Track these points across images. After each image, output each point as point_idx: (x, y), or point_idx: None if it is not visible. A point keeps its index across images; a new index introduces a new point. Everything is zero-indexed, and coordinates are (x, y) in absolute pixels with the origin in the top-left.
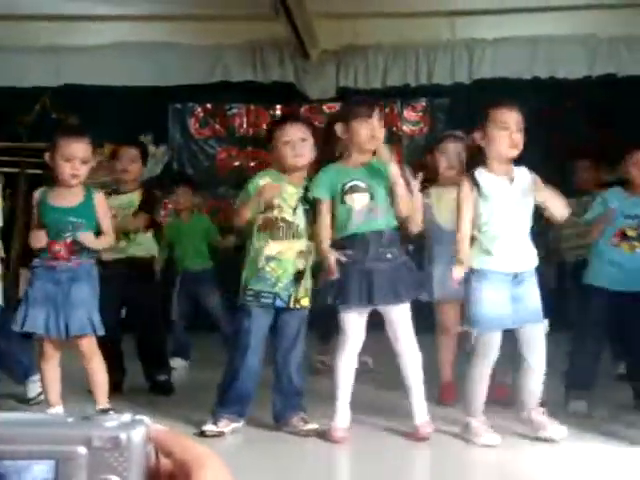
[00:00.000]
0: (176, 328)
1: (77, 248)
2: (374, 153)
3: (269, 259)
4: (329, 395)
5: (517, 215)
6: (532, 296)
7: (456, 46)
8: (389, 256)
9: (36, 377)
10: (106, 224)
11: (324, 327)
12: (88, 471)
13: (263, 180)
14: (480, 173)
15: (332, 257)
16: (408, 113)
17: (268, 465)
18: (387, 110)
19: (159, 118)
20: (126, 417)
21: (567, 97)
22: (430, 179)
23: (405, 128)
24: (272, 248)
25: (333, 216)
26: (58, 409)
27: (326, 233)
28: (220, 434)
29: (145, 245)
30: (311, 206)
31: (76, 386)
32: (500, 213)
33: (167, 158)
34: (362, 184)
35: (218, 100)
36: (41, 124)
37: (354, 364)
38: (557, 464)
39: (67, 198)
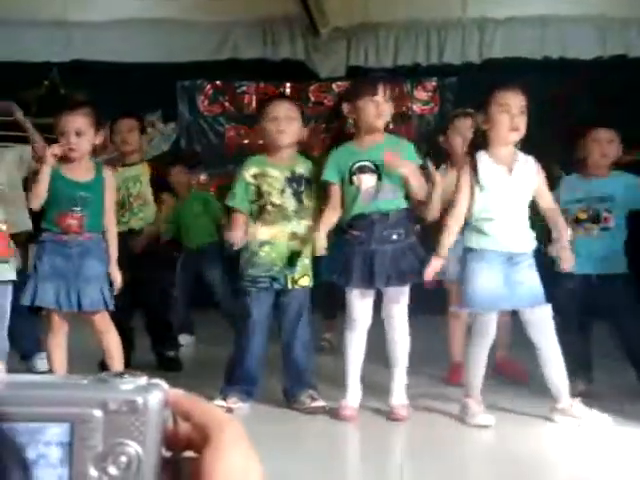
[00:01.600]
0: (178, 305)
1: (88, 222)
2: (387, 130)
3: (262, 244)
4: (333, 373)
5: (513, 203)
6: (530, 279)
7: (467, 25)
8: (394, 237)
9: (44, 354)
10: (110, 203)
11: (328, 304)
12: (104, 435)
13: (249, 172)
14: (481, 159)
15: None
16: (418, 92)
17: (275, 441)
18: (397, 90)
19: (168, 95)
20: (142, 380)
21: (578, 77)
22: (446, 159)
23: (415, 107)
24: (264, 233)
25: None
26: None
27: (328, 216)
28: (229, 410)
29: (151, 217)
30: (323, 188)
31: (84, 363)
32: (495, 202)
33: (175, 135)
34: (370, 164)
35: (227, 77)
36: (50, 100)
37: (363, 344)
38: (558, 444)
39: (79, 172)
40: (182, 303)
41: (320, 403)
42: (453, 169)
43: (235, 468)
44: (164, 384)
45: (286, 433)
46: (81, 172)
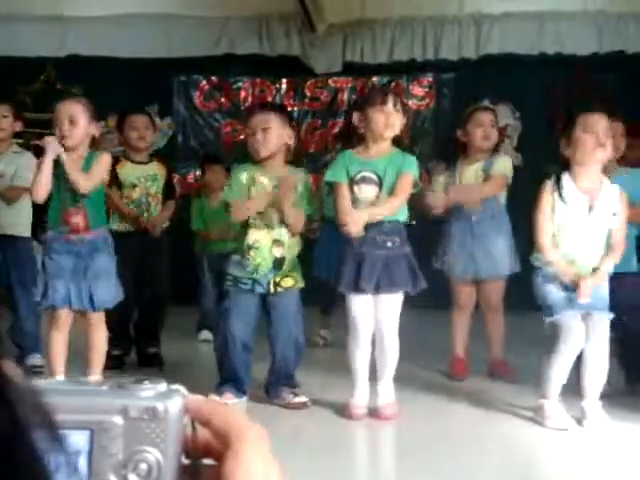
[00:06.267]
0: (205, 304)
1: (92, 217)
2: (395, 143)
3: (249, 247)
4: (324, 368)
5: (590, 236)
6: (600, 287)
7: (463, 21)
8: (388, 244)
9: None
10: (96, 174)
11: (325, 300)
12: (124, 442)
13: (241, 175)
14: (566, 180)
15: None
16: (414, 88)
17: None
18: (393, 85)
19: (164, 90)
20: (162, 387)
21: (575, 73)
22: (462, 153)
23: (411, 103)
24: (251, 237)
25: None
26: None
27: (349, 210)
28: None
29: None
30: (330, 187)
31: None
32: (571, 231)
33: (171, 131)
34: (373, 176)
35: (223, 73)
36: (46, 95)
37: (367, 344)
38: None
39: (78, 167)
40: (209, 302)
41: (302, 399)
42: (469, 162)
43: (256, 475)
44: (183, 390)
45: (282, 431)
46: (80, 167)
